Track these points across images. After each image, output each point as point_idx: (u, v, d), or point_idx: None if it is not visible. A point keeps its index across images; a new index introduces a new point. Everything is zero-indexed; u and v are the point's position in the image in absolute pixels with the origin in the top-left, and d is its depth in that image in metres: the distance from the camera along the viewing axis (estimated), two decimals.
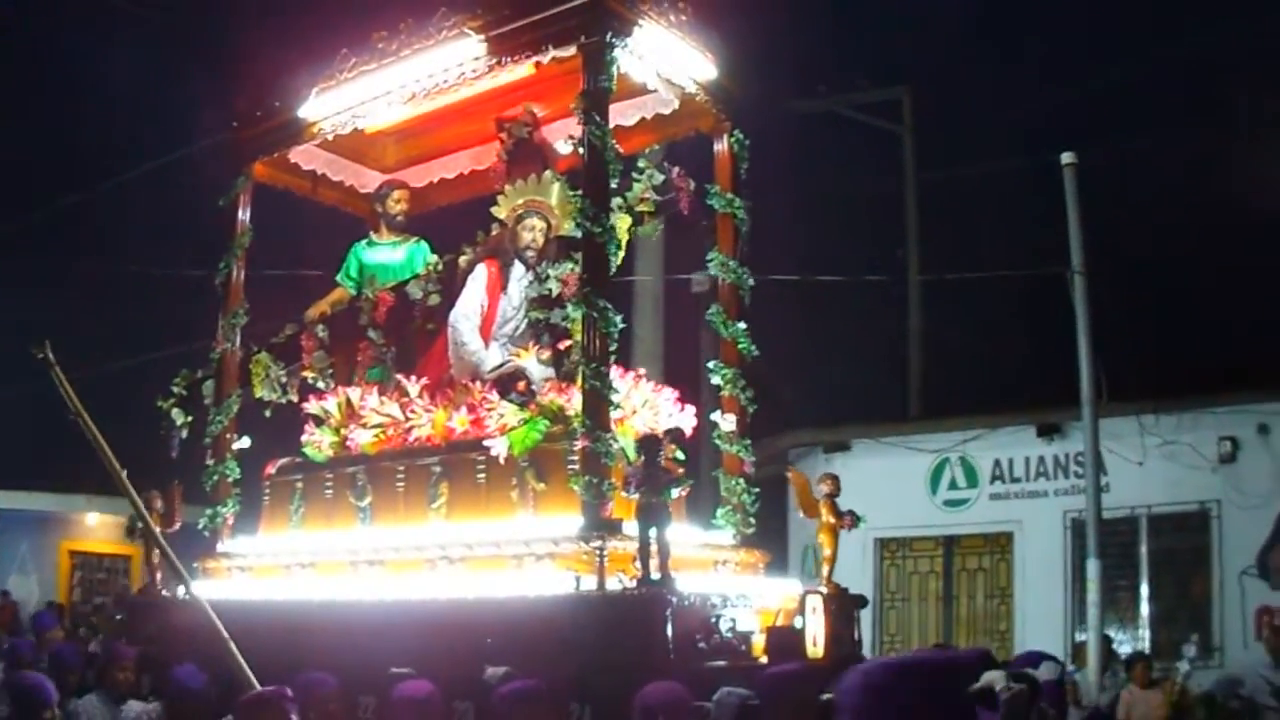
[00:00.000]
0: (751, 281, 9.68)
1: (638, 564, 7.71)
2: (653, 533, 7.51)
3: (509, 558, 8.22)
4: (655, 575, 7.46)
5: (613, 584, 7.58)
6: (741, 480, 9.53)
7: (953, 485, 18.32)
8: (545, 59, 8.86)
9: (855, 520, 8.96)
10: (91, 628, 17.63)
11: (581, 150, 8.51)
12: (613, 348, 8.22)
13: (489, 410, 8.81)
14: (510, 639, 7.63)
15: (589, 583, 7.60)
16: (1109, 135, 19.85)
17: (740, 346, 9.55)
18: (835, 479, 9.01)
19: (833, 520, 8.79)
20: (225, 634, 7.08)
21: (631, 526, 7.82)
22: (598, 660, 7.35)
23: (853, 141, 23.06)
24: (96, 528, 21.63)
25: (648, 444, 7.78)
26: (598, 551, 7.66)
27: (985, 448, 18.04)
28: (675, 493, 7.84)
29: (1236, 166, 19.55)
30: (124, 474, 7.78)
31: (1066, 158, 15.78)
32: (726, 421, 9.53)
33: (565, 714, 7.26)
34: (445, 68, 9.25)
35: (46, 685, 7.13)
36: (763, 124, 10.23)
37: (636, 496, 7.59)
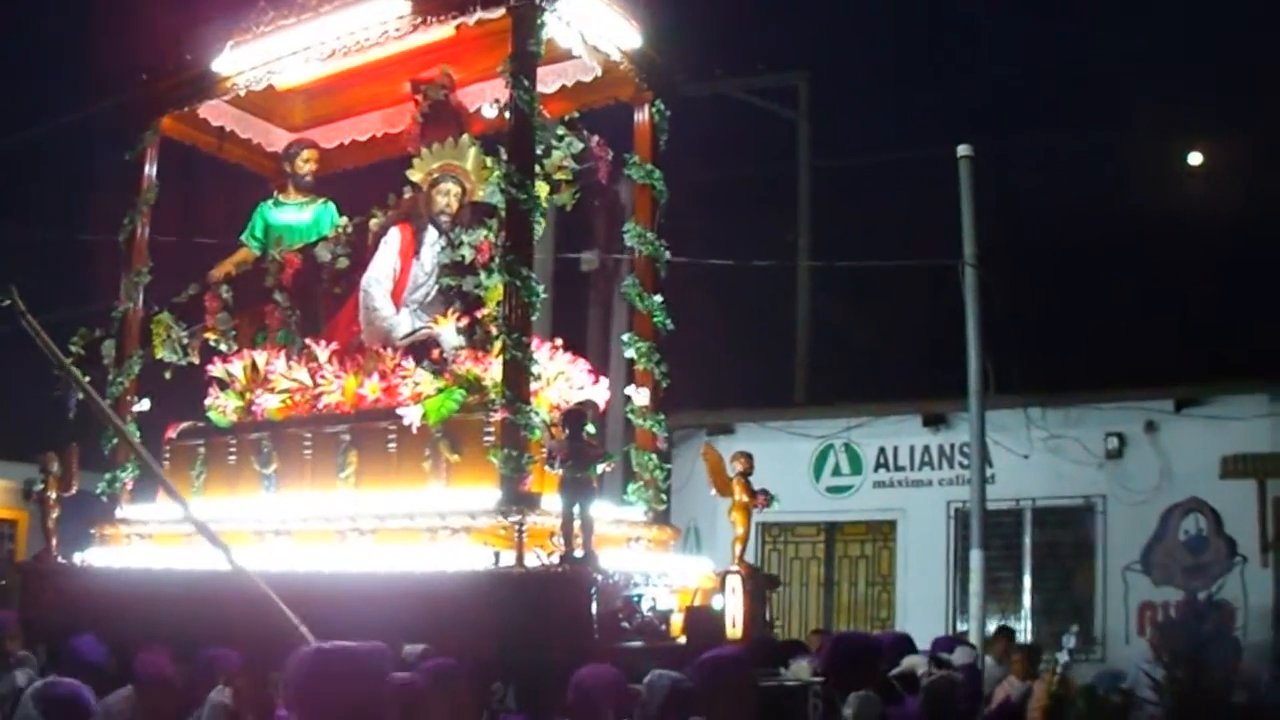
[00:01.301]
0: (668, 255, 9.56)
1: (555, 539, 7.58)
2: (576, 509, 7.36)
3: (422, 530, 8.03)
4: (578, 552, 7.32)
5: (530, 560, 7.42)
6: (654, 456, 9.41)
7: (836, 472, 18.20)
8: (471, 20, 8.64)
9: (769, 499, 8.88)
10: None
11: (508, 115, 8.33)
12: (534, 317, 8.06)
13: (403, 378, 8.59)
14: (427, 615, 7.42)
15: (507, 558, 7.45)
16: (1005, 129, 19.95)
17: (655, 320, 9.42)
18: (749, 457, 8.92)
19: (746, 499, 8.71)
20: (290, 613, 6.69)
21: (550, 501, 7.70)
22: (521, 639, 7.19)
23: (748, 125, 22.95)
24: None
25: (573, 417, 7.62)
26: (516, 526, 7.48)
27: (870, 435, 17.96)
28: (600, 468, 7.69)
29: (1130, 163, 19.80)
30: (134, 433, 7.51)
31: (962, 150, 15.77)
32: (640, 395, 9.40)
33: (488, 693, 7.09)
34: (366, 25, 8.98)
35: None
36: (678, 99, 10.05)
37: (560, 471, 7.44)
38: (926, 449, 17.67)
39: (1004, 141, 19.20)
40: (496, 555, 7.49)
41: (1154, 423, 15.99)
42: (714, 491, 8.87)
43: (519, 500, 7.63)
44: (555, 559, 7.38)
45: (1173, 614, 15.43)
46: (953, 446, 17.35)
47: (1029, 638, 15.85)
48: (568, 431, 7.54)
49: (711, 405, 18.56)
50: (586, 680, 6.38)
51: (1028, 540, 16.83)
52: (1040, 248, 20.21)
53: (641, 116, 9.71)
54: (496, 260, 8.63)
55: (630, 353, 9.45)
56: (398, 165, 9.97)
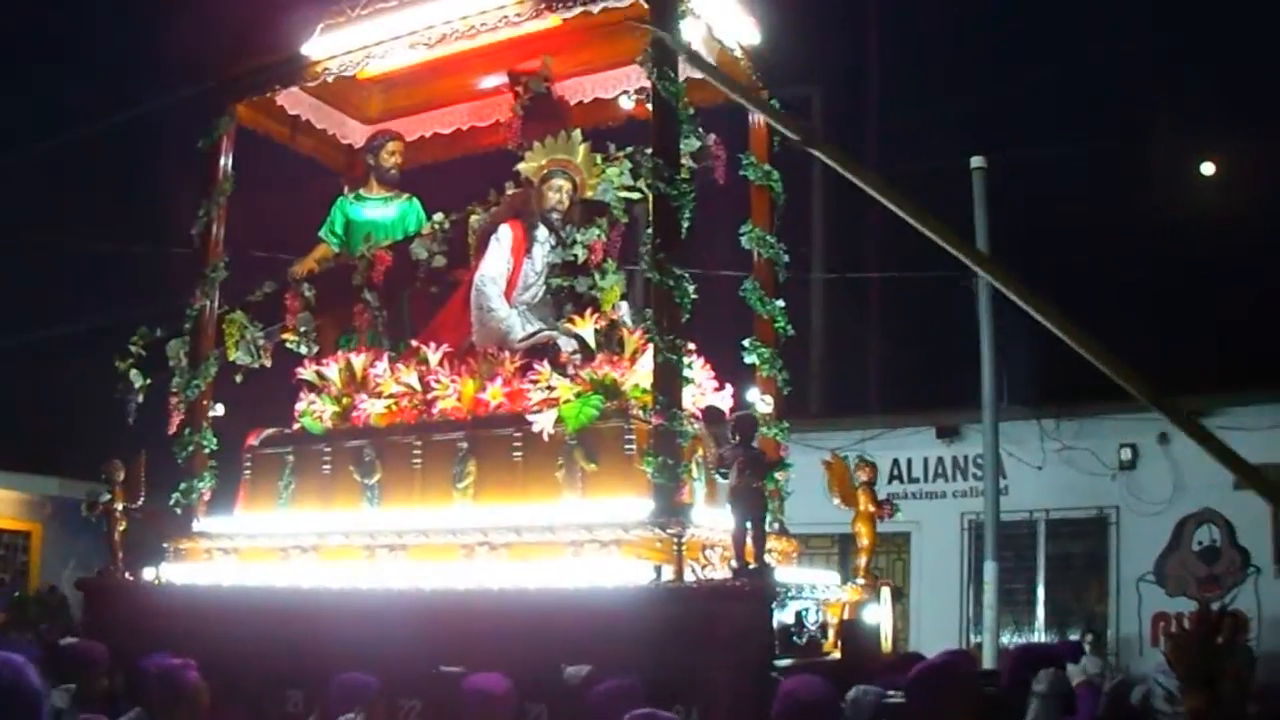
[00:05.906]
0: (788, 257, 9.16)
1: (708, 553, 7.18)
2: (748, 520, 6.93)
3: (565, 544, 7.51)
4: (752, 565, 6.89)
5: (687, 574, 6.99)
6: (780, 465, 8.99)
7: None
8: (595, 9, 8.18)
9: (894, 509, 8.62)
10: None
11: (650, 105, 7.88)
12: (685, 319, 7.59)
13: (532, 382, 8.03)
14: (584, 634, 6.95)
15: (665, 572, 6.99)
16: (1018, 140, 19.89)
17: (777, 325, 9.00)
18: (873, 466, 8.68)
19: (872, 508, 8.43)
20: None
21: (699, 512, 7.28)
22: (698, 658, 6.73)
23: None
24: None
25: (744, 424, 7.19)
26: (675, 539, 7.03)
27: (884, 447, 17.57)
28: (779, 476, 7.28)
29: (1143, 173, 19.77)
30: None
31: (975, 161, 15.93)
32: (764, 403, 8.97)
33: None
34: (482, 9, 8.47)
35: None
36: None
37: (734, 480, 7.00)
38: (940, 461, 17.63)
39: (1017, 152, 19.10)
40: (658, 569, 7.04)
41: (1167, 434, 15.83)
42: (837, 502, 8.54)
43: (675, 511, 7.17)
44: (725, 572, 6.99)
45: (1185, 625, 15.37)
46: (966, 458, 17.33)
47: None
48: (738, 438, 7.12)
49: None
50: (800, 692, 5.95)
51: (1041, 552, 16.83)
52: (1052, 257, 20.18)
53: (756, 116, 9.29)
54: (634, 260, 8.21)
55: (752, 358, 9.00)
56: (478, 161, 9.48)
